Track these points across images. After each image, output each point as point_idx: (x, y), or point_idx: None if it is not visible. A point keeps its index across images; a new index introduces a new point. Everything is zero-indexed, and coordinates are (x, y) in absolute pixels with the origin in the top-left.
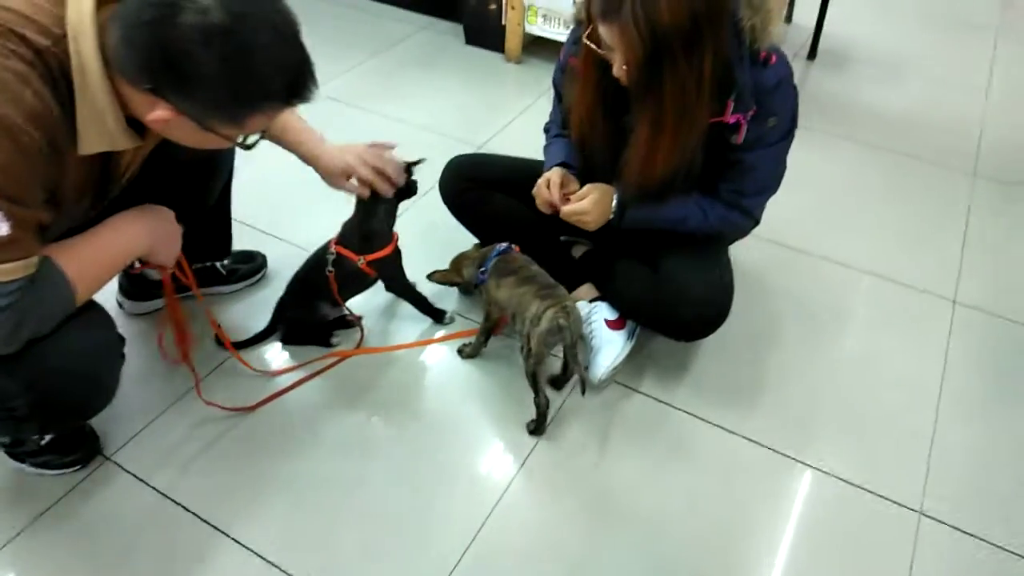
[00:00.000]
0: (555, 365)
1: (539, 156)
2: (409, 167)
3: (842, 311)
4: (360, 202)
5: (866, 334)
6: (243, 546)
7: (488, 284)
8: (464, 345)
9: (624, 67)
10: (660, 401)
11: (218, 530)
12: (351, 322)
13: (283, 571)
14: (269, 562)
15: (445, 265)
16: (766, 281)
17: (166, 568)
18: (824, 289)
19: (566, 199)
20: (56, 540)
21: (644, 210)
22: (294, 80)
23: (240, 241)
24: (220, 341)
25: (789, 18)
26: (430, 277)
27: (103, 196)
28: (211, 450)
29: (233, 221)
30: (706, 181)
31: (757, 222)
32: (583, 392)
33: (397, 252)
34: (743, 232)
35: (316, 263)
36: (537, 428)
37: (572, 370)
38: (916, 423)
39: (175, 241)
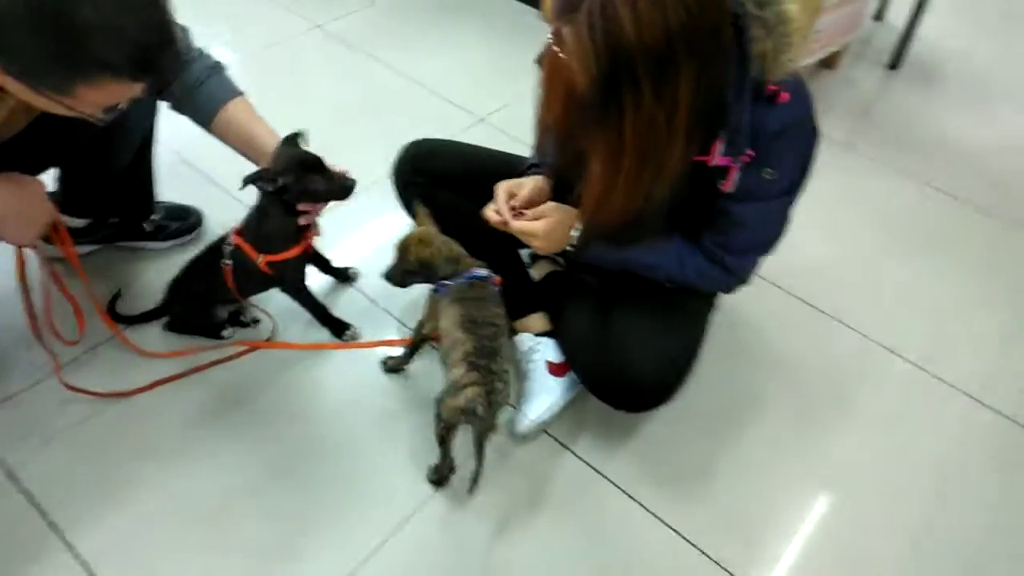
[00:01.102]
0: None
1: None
2: (318, 163)
3: (850, 399)
4: (262, 195)
5: (869, 436)
6: (75, 555)
7: (441, 299)
8: (389, 358)
9: (570, 81)
10: (592, 468)
11: (55, 528)
12: (245, 322)
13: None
14: (92, 572)
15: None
16: (765, 337)
17: None
18: (835, 364)
19: (519, 214)
20: None
21: (608, 248)
22: (138, 54)
23: (193, 193)
24: (116, 315)
25: (880, 15)
26: (386, 276)
27: None
28: (76, 434)
29: (195, 170)
30: (690, 223)
31: (743, 282)
32: (469, 490)
33: (303, 256)
34: (727, 290)
35: (212, 251)
36: (437, 482)
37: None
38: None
39: (32, 218)
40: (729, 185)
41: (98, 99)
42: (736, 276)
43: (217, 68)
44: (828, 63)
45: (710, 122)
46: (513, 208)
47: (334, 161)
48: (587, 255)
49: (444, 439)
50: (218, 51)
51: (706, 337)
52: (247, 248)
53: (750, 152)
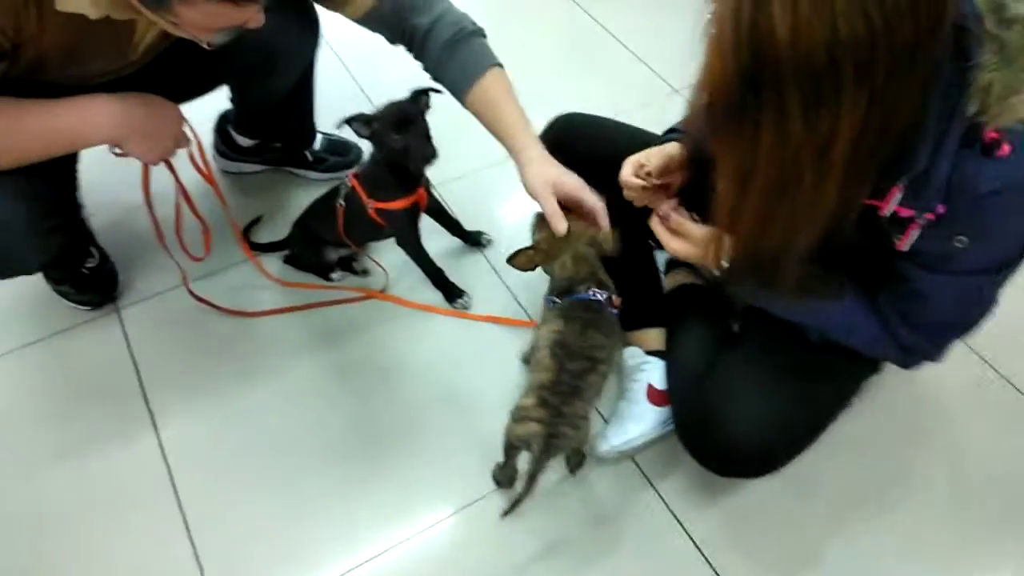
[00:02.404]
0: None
1: None
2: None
3: None
4: (376, 144)
5: None
6: (158, 439)
7: (547, 312)
8: (529, 351)
9: (710, 70)
10: (673, 515)
11: (148, 408)
12: (355, 270)
13: (170, 475)
14: (165, 456)
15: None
16: (942, 415)
17: (89, 431)
18: None
19: (666, 192)
20: (34, 370)
21: (756, 288)
22: None
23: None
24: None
25: None
26: (512, 262)
27: (110, 66)
28: (198, 339)
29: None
30: (861, 280)
31: (927, 360)
32: (504, 513)
33: (413, 209)
34: (904, 366)
35: (331, 193)
36: (498, 483)
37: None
38: None
39: (160, 137)
40: (904, 244)
41: (196, 19)
42: (915, 355)
43: (473, 33)
44: None
45: (887, 162)
46: (648, 176)
47: None
48: (733, 288)
49: (508, 453)
50: None
51: (848, 405)
52: (360, 191)
53: (940, 210)
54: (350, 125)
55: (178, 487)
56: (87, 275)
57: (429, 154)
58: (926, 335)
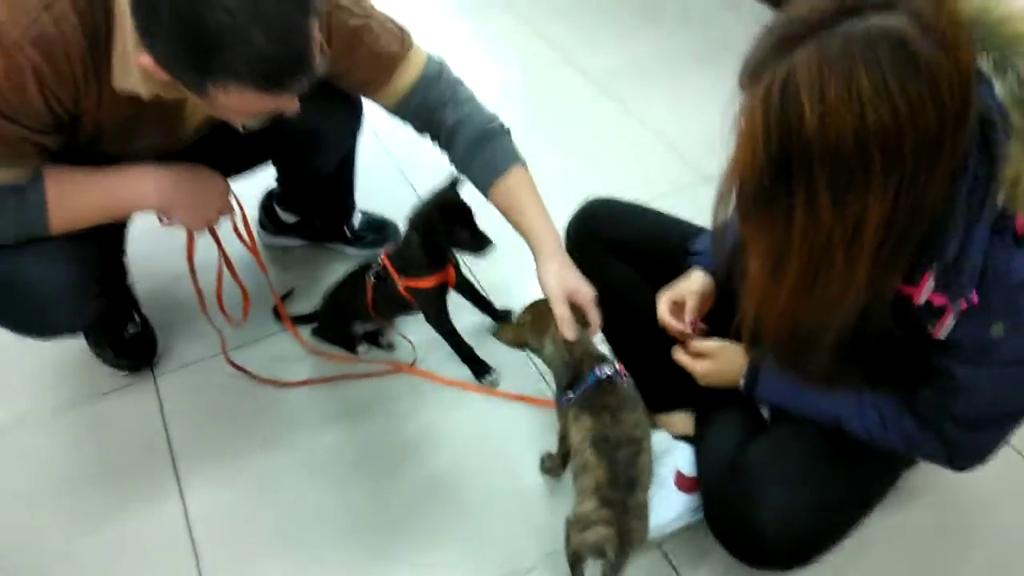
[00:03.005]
0: None
1: None
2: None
3: None
4: (411, 226)
5: None
6: (184, 507)
7: (568, 411)
8: (548, 457)
9: (740, 159)
10: None
11: (177, 476)
12: (381, 344)
13: (193, 545)
14: (188, 523)
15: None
16: (990, 517)
17: (116, 495)
18: None
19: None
20: (68, 432)
21: (782, 384)
22: (264, 66)
23: (400, 208)
24: (276, 313)
25: None
26: (497, 335)
27: (162, 140)
28: (230, 408)
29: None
30: (897, 375)
31: (976, 460)
32: None
33: (441, 288)
34: (951, 466)
35: (361, 268)
36: None
37: None
38: None
39: (204, 206)
40: (941, 331)
41: (231, 105)
42: (960, 452)
43: (499, 131)
44: None
45: (919, 250)
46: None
47: (540, 190)
48: (761, 392)
49: (575, 566)
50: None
51: (880, 499)
52: (391, 268)
53: (975, 299)
54: (414, 226)
55: (200, 557)
56: (127, 340)
57: (485, 243)
58: (972, 432)
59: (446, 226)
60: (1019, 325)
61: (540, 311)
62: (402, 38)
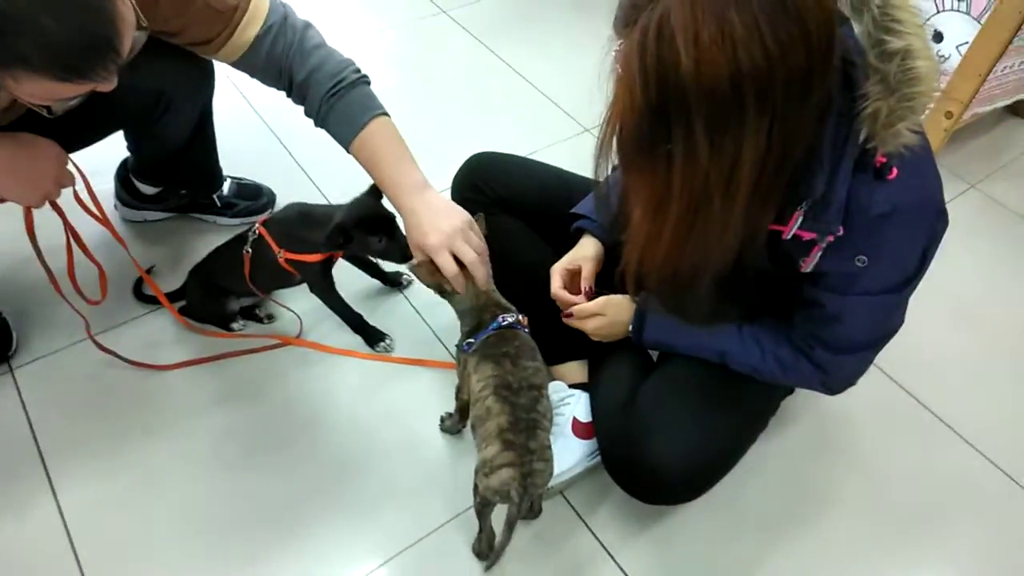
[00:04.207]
0: None
1: None
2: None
3: (946, 525)
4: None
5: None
6: (57, 506)
7: (469, 359)
8: (447, 415)
9: (619, 105)
10: (605, 550)
11: (47, 474)
12: (259, 317)
13: (69, 542)
14: (66, 526)
15: None
16: (855, 432)
17: None
18: (938, 480)
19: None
20: None
21: (667, 327)
22: (62, 57)
23: (274, 171)
24: (139, 292)
25: None
26: (414, 268)
27: None
28: (100, 397)
29: (283, 149)
30: (771, 307)
31: (846, 383)
32: (487, 566)
33: (328, 261)
34: (826, 390)
35: (235, 240)
36: (479, 555)
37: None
38: None
39: (38, 177)
40: (808, 265)
41: (28, 92)
42: (833, 376)
43: (355, 81)
44: (1018, 111)
45: (789, 188)
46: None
47: (421, 151)
48: (648, 336)
49: (481, 513)
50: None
51: (763, 427)
52: (269, 240)
53: (841, 232)
54: (330, 241)
55: (80, 558)
56: None
57: (407, 254)
58: (842, 356)
59: (363, 240)
60: (881, 256)
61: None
62: None
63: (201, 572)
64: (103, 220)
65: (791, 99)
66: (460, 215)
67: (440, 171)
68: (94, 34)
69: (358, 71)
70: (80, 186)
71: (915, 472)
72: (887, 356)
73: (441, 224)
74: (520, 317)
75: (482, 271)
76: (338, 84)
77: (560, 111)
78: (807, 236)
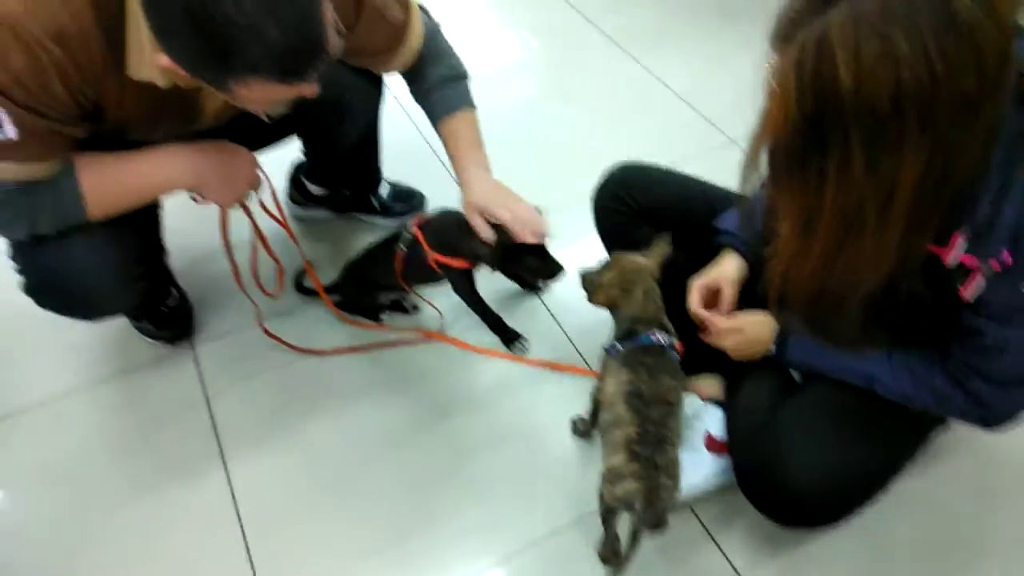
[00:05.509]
0: None
1: None
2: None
3: None
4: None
5: None
6: (228, 479)
7: (610, 363)
8: (580, 420)
9: (772, 120)
10: (735, 570)
11: (219, 444)
12: (405, 308)
13: (236, 511)
14: (235, 498)
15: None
16: (1016, 473)
17: (161, 465)
18: None
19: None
20: (109, 405)
21: (812, 348)
22: (281, 57)
23: (425, 176)
24: (302, 287)
25: None
26: (589, 298)
27: (184, 126)
28: (267, 377)
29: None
30: (927, 333)
31: (1007, 419)
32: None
33: (469, 271)
34: (983, 425)
35: (390, 239)
36: (604, 560)
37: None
38: None
39: (234, 181)
40: (970, 292)
41: (252, 97)
42: (992, 410)
43: (458, 77)
44: None
45: (951, 209)
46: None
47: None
48: (791, 356)
49: (606, 520)
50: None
51: (913, 457)
52: (423, 241)
53: (1007, 259)
54: (492, 258)
55: (244, 522)
56: (167, 313)
57: (556, 270)
58: (1006, 391)
59: (520, 259)
60: None
61: (625, 271)
62: (404, 1)
63: (344, 536)
64: (284, 223)
65: (957, 121)
66: (508, 193)
67: (579, 177)
68: (309, 36)
69: (466, 71)
70: (266, 191)
71: None
72: None
73: (488, 191)
74: (676, 342)
75: (518, 228)
76: (451, 74)
77: (704, 121)
78: (969, 262)
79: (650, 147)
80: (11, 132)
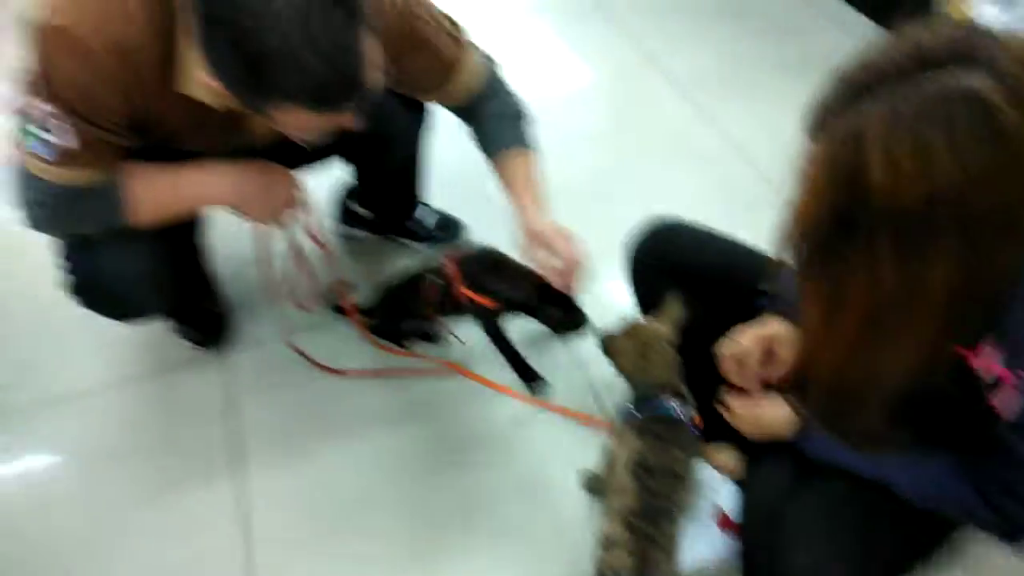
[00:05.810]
0: None
1: None
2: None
3: None
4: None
5: None
6: (242, 481)
7: (622, 427)
8: (591, 476)
9: (802, 208)
10: None
11: (237, 452)
12: (429, 335)
13: (245, 535)
14: (244, 504)
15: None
16: None
17: (171, 469)
18: None
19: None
20: (136, 404)
21: (831, 444)
22: (317, 88)
23: (468, 206)
24: (335, 306)
25: None
26: (605, 344)
27: (231, 143)
28: (291, 391)
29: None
30: (955, 440)
31: None
32: None
33: (497, 312)
34: (1003, 542)
35: (424, 269)
36: None
37: None
38: None
39: (272, 200)
40: (1003, 407)
41: (289, 123)
42: (1019, 528)
43: (515, 115)
44: None
45: (981, 316)
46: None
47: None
48: (809, 447)
49: None
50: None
51: (927, 560)
52: (455, 274)
53: None
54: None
55: (253, 530)
56: (205, 318)
57: (580, 320)
58: None
59: (546, 310)
60: None
61: (641, 337)
62: (457, 37)
63: (346, 565)
64: (324, 246)
65: (994, 228)
66: (559, 230)
67: (625, 220)
68: (345, 69)
69: (530, 114)
70: (309, 215)
71: None
72: None
73: (541, 226)
74: (695, 415)
75: (556, 276)
76: (515, 114)
77: (759, 174)
78: (999, 372)
79: (699, 194)
80: (71, 141)
